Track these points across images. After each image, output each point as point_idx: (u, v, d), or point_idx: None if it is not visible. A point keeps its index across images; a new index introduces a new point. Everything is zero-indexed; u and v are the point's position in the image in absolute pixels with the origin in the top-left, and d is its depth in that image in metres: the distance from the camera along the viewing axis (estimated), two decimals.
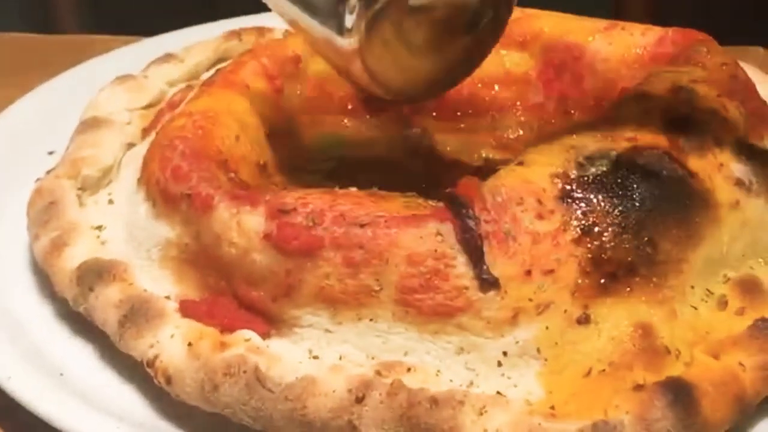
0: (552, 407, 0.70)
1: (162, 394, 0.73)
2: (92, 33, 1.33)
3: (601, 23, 0.98)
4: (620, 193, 0.76)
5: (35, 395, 0.73)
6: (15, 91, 1.08)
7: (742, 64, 0.98)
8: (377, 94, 0.80)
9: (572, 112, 0.96)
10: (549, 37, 0.99)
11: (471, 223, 0.73)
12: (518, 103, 0.98)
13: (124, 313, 0.76)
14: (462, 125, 0.97)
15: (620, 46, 0.96)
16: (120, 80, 1.02)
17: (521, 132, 0.96)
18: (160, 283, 0.79)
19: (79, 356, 0.79)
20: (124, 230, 0.84)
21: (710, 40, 0.93)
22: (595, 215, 0.75)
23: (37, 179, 0.90)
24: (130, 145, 0.94)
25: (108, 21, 1.43)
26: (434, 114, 0.98)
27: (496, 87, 0.99)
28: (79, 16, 1.59)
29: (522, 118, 0.97)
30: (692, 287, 0.77)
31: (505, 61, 0.99)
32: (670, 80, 0.87)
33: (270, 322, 0.75)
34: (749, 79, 0.90)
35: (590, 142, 0.79)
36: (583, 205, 0.75)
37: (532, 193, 0.75)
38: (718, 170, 0.81)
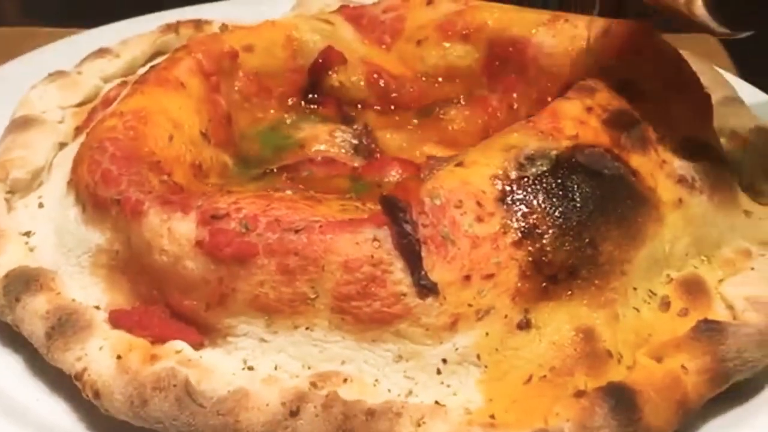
0: (492, 416, 0.69)
1: (92, 407, 0.71)
2: (23, 25, 1.29)
3: (545, 15, 0.96)
4: (561, 193, 0.75)
5: None
6: None
7: (688, 54, 0.97)
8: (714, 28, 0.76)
9: (516, 106, 0.94)
10: (493, 30, 0.97)
11: (408, 227, 0.71)
12: (462, 96, 0.96)
13: (51, 325, 0.74)
14: (405, 120, 0.95)
15: (564, 39, 0.94)
16: (53, 77, 0.99)
17: (465, 126, 0.94)
18: (89, 292, 0.77)
19: (6, 368, 0.76)
20: (54, 236, 0.81)
21: (655, 32, 0.92)
22: (535, 217, 0.73)
23: None
24: (63, 145, 0.92)
25: (39, 12, 1.39)
26: (376, 109, 0.96)
27: (440, 80, 0.97)
28: (13, 7, 1.55)
29: (466, 112, 0.95)
30: (635, 289, 0.75)
31: (448, 53, 0.97)
32: (614, 74, 0.85)
33: (203, 332, 0.73)
34: (694, 72, 0.89)
35: (531, 141, 0.77)
36: (523, 206, 0.74)
37: (472, 195, 0.74)
38: (661, 167, 0.80)
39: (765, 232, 0.83)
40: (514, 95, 0.95)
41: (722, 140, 0.93)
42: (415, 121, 0.95)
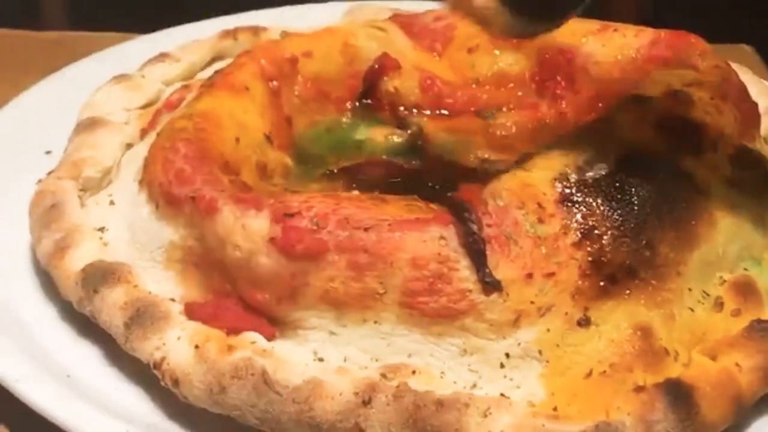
0: (554, 408, 0.72)
1: (169, 395, 0.74)
2: (84, 30, 1.32)
3: (594, 25, 0.99)
4: (619, 196, 0.78)
5: (43, 398, 0.74)
6: (9, 90, 1.08)
7: (733, 64, 1.00)
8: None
9: (566, 113, 0.97)
10: (542, 39, 0.99)
11: (473, 227, 0.74)
12: (512, 102, 0.99)
13: (129, 316, 0.77)
14: (457, 124, 0.98)
15: (613, 48, 0.96)
16: (116, 80, 1.02)
17: (515, 131, 0.97)
18: (164, 285, 0.80)
19: (86, 358, 0.79)
20: (126, 232, 0.85)
21: (702, 43, 0.94)
22: (594, 218, 0.77)
23: (39, 181, 0.90)
24: (129, 146, 0.95)
25: (99, 18, 1.42)
26: (429, 113, 0.99)
27: (490, 87, 1.01)
28: (70, 13, 1.59)
29: (516, 118, 0.98)
30: (689, 289, 0.78)
31: (499, 61, 1.00)
32: (664, 84, 0.89)
33: (275, 324, 0.76)
34: (741, 81, 0.92)
35: (589, 146, 0.81)
36: (582, 208, 0.77)
37: (533, 196, 0.77)
38: (714, 172, 0.83)
39: None
40: (563, 103, 0.98)
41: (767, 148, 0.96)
42: (467, 125, 0.98)
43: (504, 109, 0.99)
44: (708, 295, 0.79)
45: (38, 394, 0.74)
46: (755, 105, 0.92)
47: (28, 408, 0.74)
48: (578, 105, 0.97)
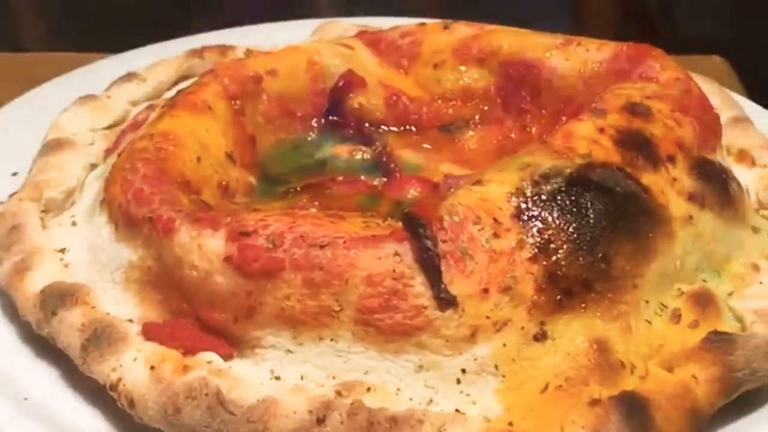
0: (510, 423, 0.71)
1: (126, 416, 0.74)
2: (53, 50, 1.33)
3: (558, 39, 0.99)
4: (575, 210, 0.78)
5: (1, 420, 0.74)
6: None
7: (697, 75, 1.00)
8: None
9: (530, 127, 0.97)
10: (507, 54, 1.00)
11: (428, 243, 0.74)
12: (477, 117, 1.00)
13: (87, 337, 0.77)
14: (422, 141, 0.98)
15: (577, 62, 0.97)
16: (83, 100, 1.02)
17: (481, 146, 0.98)
18: (123, 306, 0.80)
19: (43, 379, 0.79)
20: (87, 252, 0.85)
21: (664, 55, 0.95)
22: (550, 233, 0.77)
23: (0, 203, 0.90)
24: (93, 166, 0.95)
25: (68, 38, 1.43)
26: (395, 130, 0.99)
27: (456, 102, 1.01)
28: (39, 33, 1.60)
29: (482, 133, 0.99)
30: (646, 301, 0.78)
31: (465, 76, 1.01)
32: (624, 96, 0.89)
33: (232, 344, 0.76)
34: (702, 92, 0.92)
35: (545, 160, 0.81)
36: (538, 222, 0.77)
37: (489, 211, 0.77)
38: (672, 185, 0.83)
39: None
40: (528, 117, 0.98)
41: (731, 158, 0.96)
42: (433, 141, 0.98)
43: (470, 122, 1.00)
44: (666, 307, 0.79)
45: None
46: (717, 116, 0.93)
47: None
48: (542, 119, 0.97)
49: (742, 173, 0.94)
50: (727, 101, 1.02)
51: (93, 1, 1.58)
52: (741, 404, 0.76)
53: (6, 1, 1.53)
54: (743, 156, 0.96)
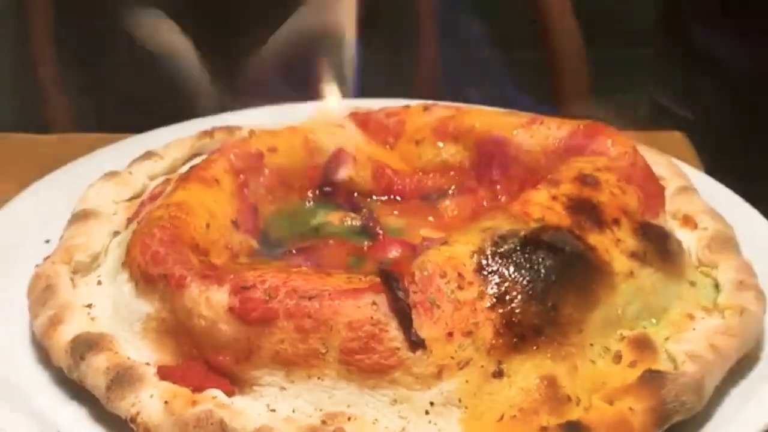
0: None
1: None
2: (80, 132, 1.47)
3: (524, 118, 1.13)
4: (528, 266, 0.90)
5: None
6: (12, 186, 1.22)
7: (651, 149, 1.14)
8: None
9: (500, 196, 1.10)
10: (479, 132, 1.13)
11: (401, 294, 0.87)
12: (454, 188, 1.13)
13: (110, 378, 0.89)
14: (405, 208, 1.12)
15: (540, 139, 1.10)
16: (107, 176, 1.16)
17: (457, 213, 1.11)
18: (141, 352, 0.92)
19: (75, 417, 0.91)
20: (111, 307, 0.97)
21: (615, 132, 1.08)
22: (507, 285, 0.89)
23: (36, 265, 1.04)
24: (116, 233, 1.08)
25: (94, 120, 1.58)
26: (381, 198, 1.13)
27: (435, 174, 1.14)
28: (68, 117, 1.75)
29: (457, 201, 1.12)
30: (591, 344, 0.90)
31: (442, 152, 1.14)
32: (577, 169, 1.02)
33: (234, 383, 0.89)
34: (647, 165, 1.05)
35: (504, 224, 0.94)
36: (497, 277, 0.90)
37: (454, 267, 0.90)
38: (616, 245, 0.96)
39: (706, 299, 0.98)
40: (498, 187, 1.11)
41: (676, 222, 1.09)
42: (414, 209, 1.11)
43: (448, 192, 1.13)
44: (608, 349, 0.91)
45: None
46: (660, 187, 1.05)
47: None
48: (511, 188, 1.10)
49: (685, 235, 1.06)
50: (676, 172, 1.15)
51: (112, 85, 1.73)
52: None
53: (33, 86, 1.68)
54: (687, 220, 1.08)
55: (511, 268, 0.90)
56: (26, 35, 1.69)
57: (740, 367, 0.94)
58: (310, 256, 1.02)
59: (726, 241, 1.04)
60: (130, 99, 1.61)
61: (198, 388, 0.88)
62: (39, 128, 1.57)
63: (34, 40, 1.69)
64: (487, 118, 1.14)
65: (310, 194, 1.13)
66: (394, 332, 0.86)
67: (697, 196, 1.11)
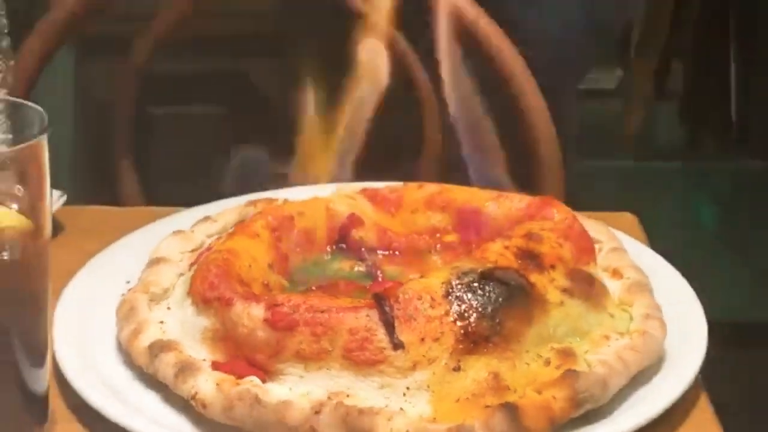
0: (434, 419, 1.16)
1: (201, 415, 1.20)
2: (150, 206, 1.83)
3: (494, 194, 1.47)
4: (482, 294, 1.23)
5: (122, 416, 1.20)
6: (97, 246, 1.57)
7: (594, 221, 1.48)
8: None
9: (473, 250, 1.44)
10: (460, 203, 1.47)
11: (388, 309, 1.20)
12: (439, 245, 1.47)
13: (177, 370, 1.22)
14: (401, 260, 1.45)
15: (504, 209, 1.44)
16: (174, 234, 1.50)
17: (440, 263, 1.44)
18: (199, 353, 1.25)
19: (150, 400, 1.23)
20: (178, 324, 1.31)
21: (560, 204, 1.42)
22: (465, 306, 1.22)
23: (122, 294, 1.38)
24: (181, 275, 1.43)
25: (163, 197, 1.94)
26: (383, 253, 1.47)
27: (425, 236, 1.48)
28: (140, 194, 2.12)
29: (442, 255, 1.45)
30: (527, 351, 1.22)
31: (431, 219, 1.48)
32: (526, 229, 1.36)
33: (266, 373, 1.21)
34: (583, 228, 1.39)
35: (467, 264, 1.27)
36: (458, 300, 1.22)
37: (428, 292, 1.22)
38: (551, 282, 1.28)
39: (622, 326, 1.30)
40: (473, 245, 1.45)
41: (607, 273, 1.42)
42: (408, 260, 1.45)
43: (435, 249, 1.47)
44: (540, 355, 1.23)
45: (123, 417, 1.20)
46: (591, 244, 1.39)
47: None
48: (482, 245, 1.44)
49: (612, 283, 1.38)
50: (611, 237, 1.48)
51: (178, 166, 2.08)
52: (586, 418, 1.20)
53: (110, 165, 2.06)
54: (615, 272, 1.40)
55: (470, 295, 1.23)
56: (111, 129, 2.07)
57: (644, 377, 1.26)
58: (326, 292, 1.36)
59: (642, 287, 1.36)
60: (192, 177, 1.97)
61: (240, 376, 1.20)
62: (109, 202, 1.94)
63: (118, 135, 2.07)
64: (466, 194, 1.48)
65: (328, 248, 1.46)
66: (381, 336, 1.19)
67: (626, 255, 1.44)
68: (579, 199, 1.67)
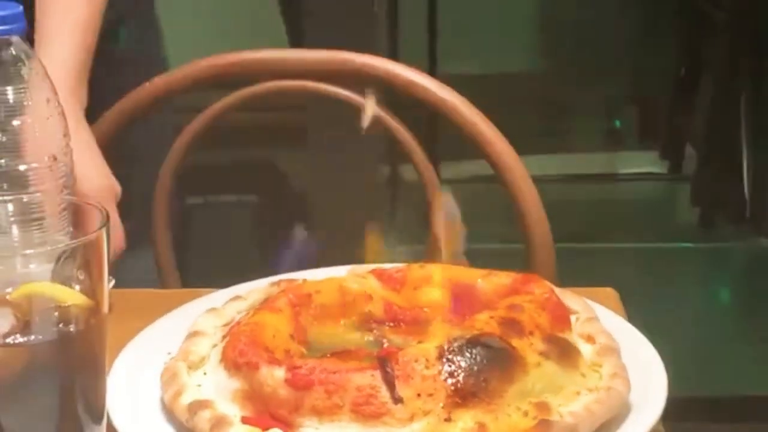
0: None
1: None
2: (188, 288, 2.07)
3: (484, 272, 1.70)
4: (469, 356, 1.45)
5: None
6: (142, 324, 1.81)
7: (573, 296, 1.70)
8: None
9: (466, 319, 1.66)
10: (455, 280, 1.71)
11: (389, 370, 1.43)
12: (439, 317, 1.69)
13: (212, 424, 1.45)
14: (404, 330, 1.68)
15: (492, 285, 1.67)
16: (209, 311, 1.73)
17: (438, 333, 1.66)
18: (231, 409, 1.47)
19: None
20: (212, 386, 1.53)
21: (540, 280, 1.65)
22: (455, 366, 1.44)
23: (165, 362, 1.62)
24: (215, 345, 1.65)
25: (196, 280, 2.19)
26: (389, 325, 1.69)
27: (426, 309, 1.71)
28: (179, 279, 2.37)
29: (440, 326, 1.68)
30: (509, 405, 1.43)
31: (429, 294, 1.71)
32: (510, 301, 1.59)
33: (287, 426, 1.44)
34: (560, 300, 1.61)
35: (457, 332, 1.50)
36: (450, 362, 1.45)
37: (424, 355, 1.45)
38: (530, 346, 1.50)
39: (592, 384, 1.51)
40: (466, 316, 1.68)
41: (582, 340, 1.63)
42: (411, 330, 1.67)
43: (432, 321, 1.70)
44: (520, 408, 1.43)
45: None
46: (567, 314, 1.61)
47: None
48: (472, 315, 1.67)
49: (585, 347, 1.60)
50: (586, 308, 1.69)
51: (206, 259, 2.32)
52: None
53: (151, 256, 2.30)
54: (589, 338, 1.61)
55: (459, 357, 1.45)
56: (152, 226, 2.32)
57: (610, 426, 1.48)
58: (339, 357, 1.59)
59: (611, 350, 1.58)
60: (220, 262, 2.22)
61: (265, 428, 1.42)
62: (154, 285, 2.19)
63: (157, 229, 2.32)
64: (460, 272, 1.71)
65: (342, 322, 1.70)
66: (384, 393, 1.41)
67: (599, 323, 1.66)
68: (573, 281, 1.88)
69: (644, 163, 6.46)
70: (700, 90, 6.46)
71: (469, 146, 2.27)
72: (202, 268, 2.34)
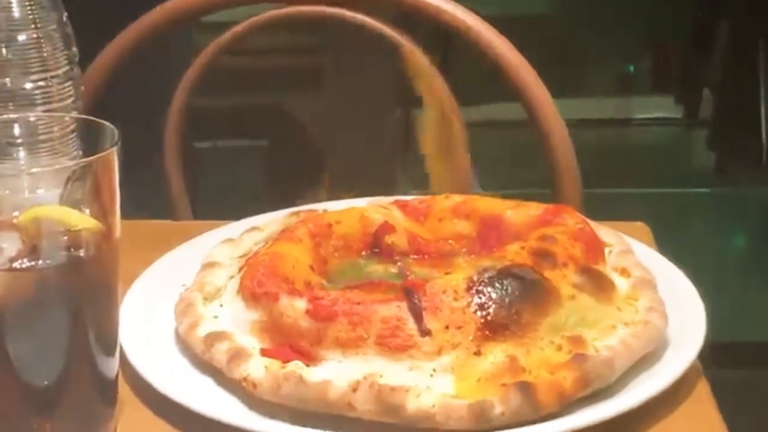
0: (457, 396, 1.31)
1: (252, 397, 1.36)
2: (204, 220, 2.00)
3: (513, 203, 1.62)
4: (500, 288, 1.38)
5: (185, 400, 1.36)
6: (154, 255, 1.74)
7: (606, 228, 1.62)
8: None
9: (493, 253, 1.59)
10: (483, 211, 1.62)
11: (416, 300, 1.36)
12: (464, 249, 1.62)
13: (230, 356, 1.38)
14: (428, 263, 1.60)
15: (523, 216, 1.59)
16: (225, 241, 1.66)
17: (464, 265, 1.59)
18: (249, 341, 1.40)
19: (205, 384, 1.40)
20: (229, 318, 1.46)
21: (572, 211, 1.57)
22: (485, 298, 1.37)
23: (180, 293, 1.55)
24: (231, 277, 1.58)
25: (212, 212, 2.11)
26: (413, 257, 1.62)
27: (451, 242, 1.64)
28: (189, 209, 2.30)
29: (466, 258, 1.61)
30: (542, 338, 1.36)
31: (456, 226, 1.64)
32: (541, 232, 1.51)
33: (309, 358, 1.37)
34: (593, 231, 1.54)
35: (487, 263, 1.43)
36: (479, 293, 1.38)
37: (451, 287, 1.38)
38: (563, 278, 1.43)
39: (628, 318, 1.44)
40: (494, 248, 1.60)
41: (616, 273, 1.56)
42: (435, 262, 1.60)
43: (459, 253, 1.62)
44: (553, 342, 1.37)
45: (185, 397, 1.36)
46: (601, 245, 1.53)
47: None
48: (500, 248, 1.59)
49: (621, 280, 1.52)
50: (620, 241, 1.62)
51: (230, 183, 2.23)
52: (594, 396, 1.34)
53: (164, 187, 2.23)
54: (623, 271, 1.54)
55: (489, 289, 1.38)
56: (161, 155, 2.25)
57: (647, 362, 1.41)
58: (361, 289, 1.52)
59: (647, 283, 1.51)
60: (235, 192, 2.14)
61: (285, 361, 1.36)
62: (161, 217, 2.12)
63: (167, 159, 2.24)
64: (487, 203, 1.63)
65: (363, 253, 1.61)
66: (411, 324, 1.34)
67: (633, 256, 1.58)
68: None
69: (659, 108, 6.37)
70: (716, 34, 6.34)
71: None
72: (214, 207, 2.26)
